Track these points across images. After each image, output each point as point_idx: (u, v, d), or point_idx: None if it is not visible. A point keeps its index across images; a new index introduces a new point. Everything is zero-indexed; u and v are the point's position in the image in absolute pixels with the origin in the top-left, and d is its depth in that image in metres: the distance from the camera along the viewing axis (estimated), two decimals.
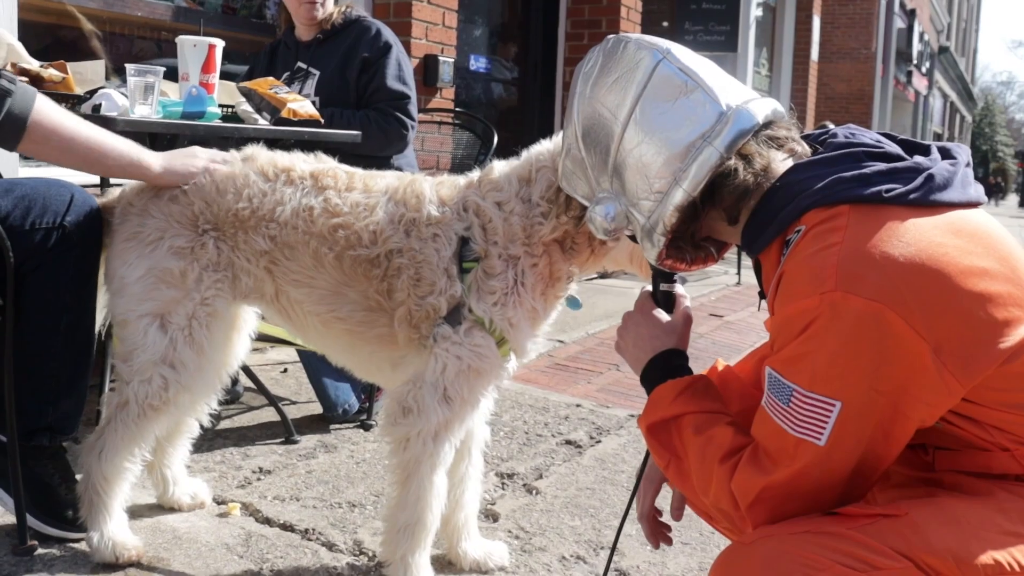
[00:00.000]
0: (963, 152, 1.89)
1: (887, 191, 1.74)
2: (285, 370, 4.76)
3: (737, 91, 1.96)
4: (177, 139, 3.02)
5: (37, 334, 2.61)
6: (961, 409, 1.74)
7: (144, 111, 3.06)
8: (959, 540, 1.63)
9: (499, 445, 3.88)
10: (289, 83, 4.11)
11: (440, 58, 6.29)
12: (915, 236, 1.69)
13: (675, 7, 10.60)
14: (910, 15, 23.78)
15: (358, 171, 2.67)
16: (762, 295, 2.05)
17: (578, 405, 4.53)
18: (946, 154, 1.89)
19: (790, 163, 1.90)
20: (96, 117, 2.91)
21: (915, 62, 25.41)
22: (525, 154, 2.56)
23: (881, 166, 1.79)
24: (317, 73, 4.15)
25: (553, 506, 3.32)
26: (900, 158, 1.84)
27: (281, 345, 3.91)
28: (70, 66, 3.32)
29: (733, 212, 1.94)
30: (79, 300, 2.67)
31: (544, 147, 2.53)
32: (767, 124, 1.93)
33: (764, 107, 1.93)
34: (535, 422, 4.23)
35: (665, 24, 11.10)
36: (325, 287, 2.56)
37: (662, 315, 2.16)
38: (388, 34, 4.20)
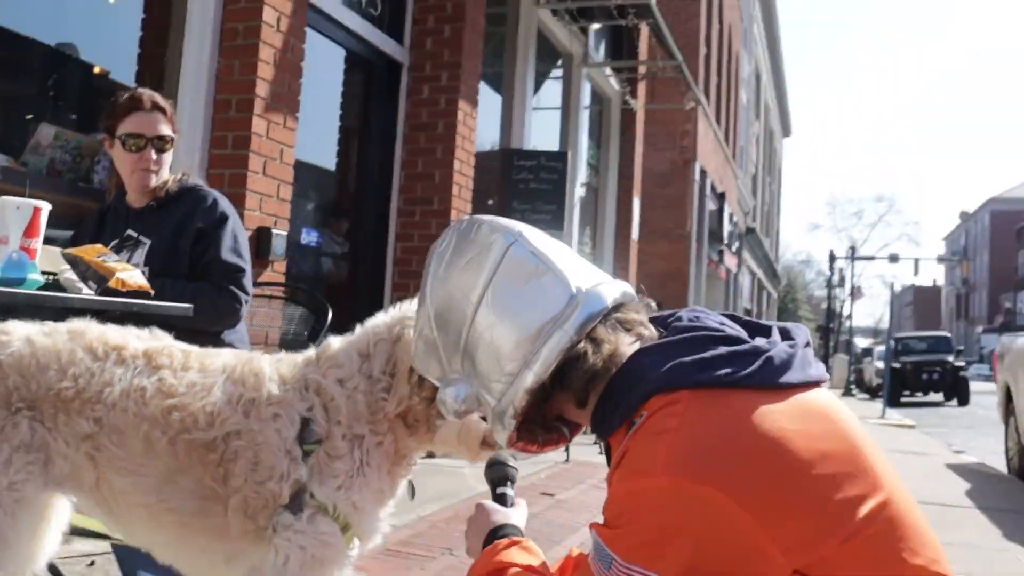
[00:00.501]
0: (802, 333, 1.96)
1: (725, 375, 1.80)
2: (92, 563, 4.31)
3: (588, 274, 1.99)
4: None
5: None
6: None
7: None
8: None
9: None
10: (118, 251, 3.90)
11: (273, 231, 6.17)
12: (749, 421, 1.75)
13: (504, 186, 10.87)
14: (720, 197, 25.20)
15: (195, 349, 2.54)
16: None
17: None
18: (785, 335, 1.95)
19: (637, 346, 1.93)
20: None
21: (726, 242, 26.79)
22: (360, 329, 2.49)
23: (723, 350, 1.84)
24: (148, 242, 3.96)
25: None
26: (742, 341, 1.89)
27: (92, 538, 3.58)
28: None
29: (582, 395, 1.95)
30: None
31: (380, 320, 2.48)
32: (617, 307, 1.96)
33: (614, 290, 1.96)
34: None
35: (491, 203, 11.30)
36: (156, 475, 2.37)
37: (494, 505, 2.29)
38: (225, 204, 4.07)
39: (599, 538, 1.81)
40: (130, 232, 4.03)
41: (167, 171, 4.08)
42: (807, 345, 1.95)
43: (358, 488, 2.35)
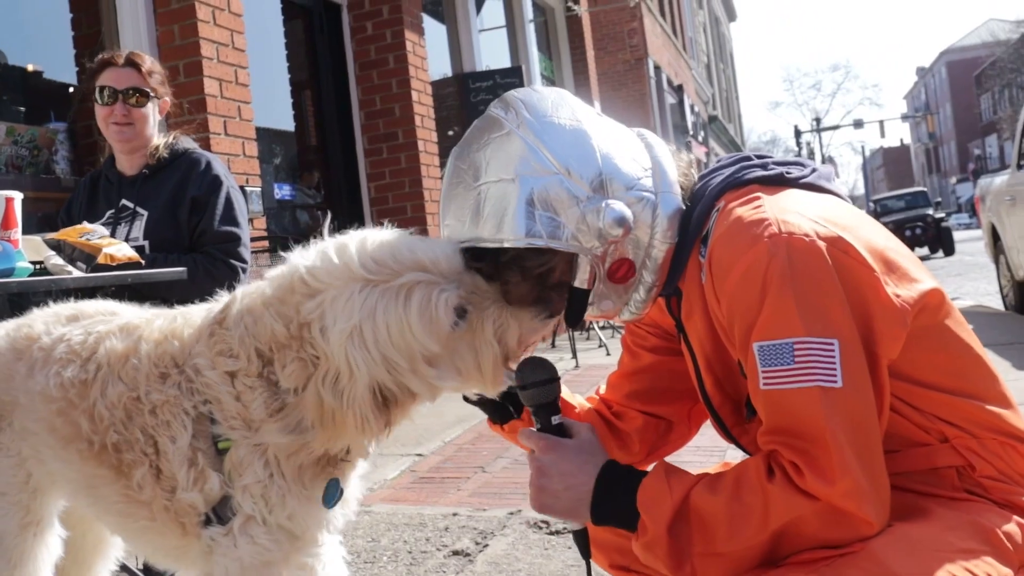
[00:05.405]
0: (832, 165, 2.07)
1: (785, 173, 1.93)
2: None
3: None
4: None
5: None
6: (903, 394, 1.78)
7: None
8: (922, 566, 1.60)
9: (385, 571, 3.65)
10: (115, 223, 3.82)
11: (247, 188, 6.09)
12: (822, 202, 1.86)
13: (464, 111, 10.69)
14: (678, 90, 25.02)
15: (120, 321, 2.23)
16: (680, 327, 2.05)
17: (454, 514, 4.34)
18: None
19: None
20: None
21: (691, 133, 26.67)
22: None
23: (776, 159, 2.00)
24: (145, 213, 3.83)
25: None
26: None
27: None
28: None
29: None
30: None
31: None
32: None
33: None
34: (415, 539, 4.02)
35: (451, 133, 11.10)
36: (77, 477, 2.15)
37: (570, 441, 1.95)
38: (218, 167, 3.91)
39: (762, 342, 1.70)
40: (125, 202, 3.89)
41: (150, 131, 3.93)
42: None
43: (279, 499, 2.00)
